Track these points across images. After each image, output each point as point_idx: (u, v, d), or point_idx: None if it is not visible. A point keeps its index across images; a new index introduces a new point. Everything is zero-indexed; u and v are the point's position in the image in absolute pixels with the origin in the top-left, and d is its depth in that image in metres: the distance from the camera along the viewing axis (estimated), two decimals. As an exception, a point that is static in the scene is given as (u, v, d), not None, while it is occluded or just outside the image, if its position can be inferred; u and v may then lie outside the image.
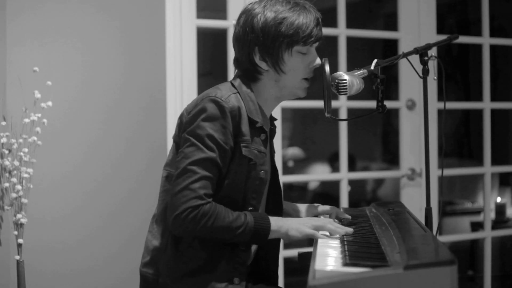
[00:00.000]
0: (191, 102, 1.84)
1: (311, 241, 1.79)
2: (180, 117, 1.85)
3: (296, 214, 2.09)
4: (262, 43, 1.81)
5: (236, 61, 1.90)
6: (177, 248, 1.80)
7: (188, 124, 1.78)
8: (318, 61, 1.87)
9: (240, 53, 1.86)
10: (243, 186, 1.80)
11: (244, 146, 1.78)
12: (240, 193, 1.80)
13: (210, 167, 1.73)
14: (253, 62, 1.83)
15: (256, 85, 1.87)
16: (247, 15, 1.84)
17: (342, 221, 1.97)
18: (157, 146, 2.79)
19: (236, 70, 1.92)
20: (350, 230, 1.79)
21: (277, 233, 1.78)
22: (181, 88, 2.86)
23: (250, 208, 1.81)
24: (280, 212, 1.98)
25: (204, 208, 1.70)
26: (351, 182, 3.92)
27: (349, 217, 2.00)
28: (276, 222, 1.78)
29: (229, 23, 2.96)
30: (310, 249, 1.79)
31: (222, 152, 1.74)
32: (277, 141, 3.06)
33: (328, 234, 1.79)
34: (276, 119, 2.00)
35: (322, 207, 2.08)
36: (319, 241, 1.72)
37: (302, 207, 2.11)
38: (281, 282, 3.01)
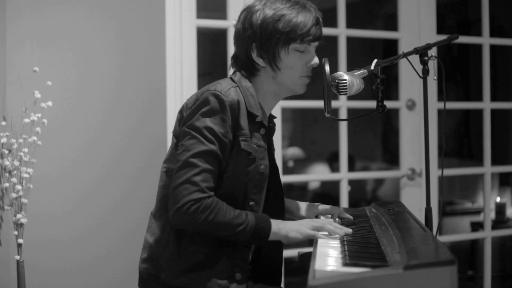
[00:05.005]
0: (191, 96, 1.85)
1: (311, 241, 1.79)
2: (181, 111, 1.86)
3: (297, 211, 2.10)
4: (260, 40, 1.82)
5: (235, 58, 1.91)
6: (179, 243, 1.80)
7: (188, 118, 1.79)
8: (316, 60, 1.87)
9: (238, 49, 1.89)
10: (244, 181, 1.80)
11: (243, 140, 1.79)
12: (240, 188, 1.80)
13: (211, 160, 1.73)
14: (250, 59, 1.85)
15: (254, 80, 1.88)
16: (247, 12, 1.86)
17: (342, 221, 1.97)
18: (157, 146, 2.79)
19: (234, 66, 1.93)
20: (349, 230, 1.79)
21: (277, 235, 1.78)
22: (181, 88, 2.86)
23: (251, 203, 1.81)
24: (282, 210, 1.98)
25: (206, 202, 1.71)
26: (351, 182, 3.92)
27: (351, 217, 2.00)
28: (277, 225, 1.78)
29: (229, 23, 2.95)
30: (310, 249, 1.79)
31: (221, 145, 1.75)
32: (277, 141, 3.06)
33: (327, 234, 1.79)
34: (275, 117, 2.00)
35: (323, 206, 2.08)
36: (319, 241, 1.72)
37: (303, 205, 2.12)
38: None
